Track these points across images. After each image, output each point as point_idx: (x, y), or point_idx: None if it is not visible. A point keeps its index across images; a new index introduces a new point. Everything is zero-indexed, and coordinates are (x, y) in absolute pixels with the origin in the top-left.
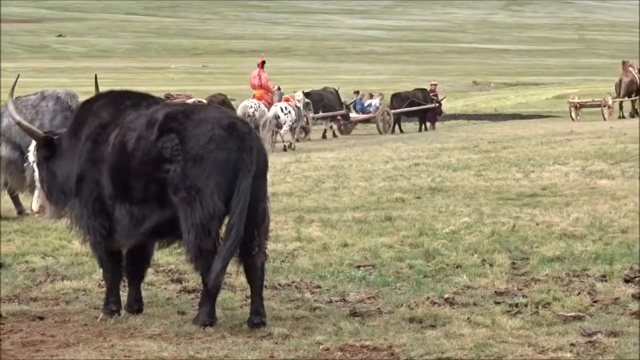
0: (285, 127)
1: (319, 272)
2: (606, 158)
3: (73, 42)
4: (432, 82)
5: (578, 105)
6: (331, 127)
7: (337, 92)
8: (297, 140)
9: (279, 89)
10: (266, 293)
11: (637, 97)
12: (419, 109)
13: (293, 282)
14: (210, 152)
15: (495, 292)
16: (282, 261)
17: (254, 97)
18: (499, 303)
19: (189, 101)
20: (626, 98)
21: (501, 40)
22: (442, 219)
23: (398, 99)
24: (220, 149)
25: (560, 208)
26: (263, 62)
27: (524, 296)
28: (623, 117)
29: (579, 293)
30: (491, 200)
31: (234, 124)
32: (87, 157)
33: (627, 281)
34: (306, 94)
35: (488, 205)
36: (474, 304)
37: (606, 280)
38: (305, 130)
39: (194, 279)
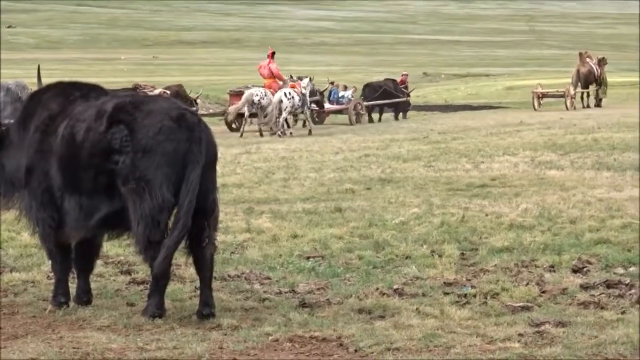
0: (284, 114)
1: (269, 263)
2: (555, 149)
3: (24, 34)
4: (404, 73)
5: (541, 95)
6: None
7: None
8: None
9: (291, 77)
10: (215, 284)
11: (597, 88)
12: (392, 102)
13: (242, 273)
14: (159, 143)
15: (444, 282)
16: (232, 252)
17: (264, 85)
18: (447, 294)
19: (155, 92)
20: (584, 89)
21: (452, 32)
22: (391, 210)
23: (369, 89)
24: (169, 140)
25: (510, 199)
26: (273, 53)
27: (472, 287)
28: (588, 106)
29: (528, 283)
30: (441, 191)
31: (183, 115)
32: (36, 148)
33: (575, 271)
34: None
35: (437, 196)
36: (423, 295)
37: (554, 271)
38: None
39: (143, 271)
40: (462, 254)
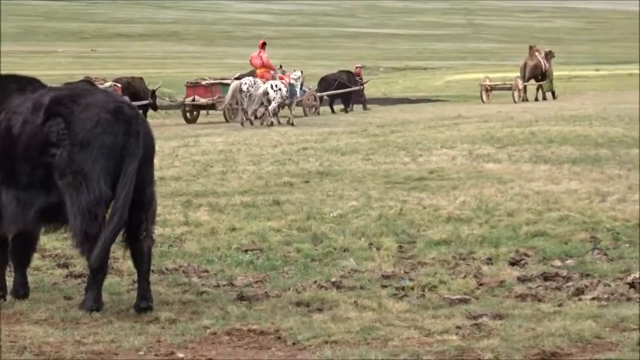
0: (273, 103)
1: (207, 256)
2: (493, 142)
3: None
4: (358, 66)
5: (489, 88)
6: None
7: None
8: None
9: (280, 67)
10: (153, 277)
11: (543, 82)
12: (345, 91)
13: (180, 266)
14: (96, 137)
15: (382, 275)
16: (170, 245)
17: (255, 75)
18: (385, 286)
19: (106, 85)
20: (532, 81)
21: (390, 25)
22: (330, 202)
23: (325, 82)
24: (107, 133)
25: (448, 192)
26: (264, 44)
27: (410, 279)
28: (527, 99)
29: (465, 276)
30: (379, 184)
31: (121, 108)
32: None
33: (512, 264)
34: (237, 78)
35: (376, 189)
36: (361, 288)
37: (492, 264)
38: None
39: (80, 264)
40: (400, 246)
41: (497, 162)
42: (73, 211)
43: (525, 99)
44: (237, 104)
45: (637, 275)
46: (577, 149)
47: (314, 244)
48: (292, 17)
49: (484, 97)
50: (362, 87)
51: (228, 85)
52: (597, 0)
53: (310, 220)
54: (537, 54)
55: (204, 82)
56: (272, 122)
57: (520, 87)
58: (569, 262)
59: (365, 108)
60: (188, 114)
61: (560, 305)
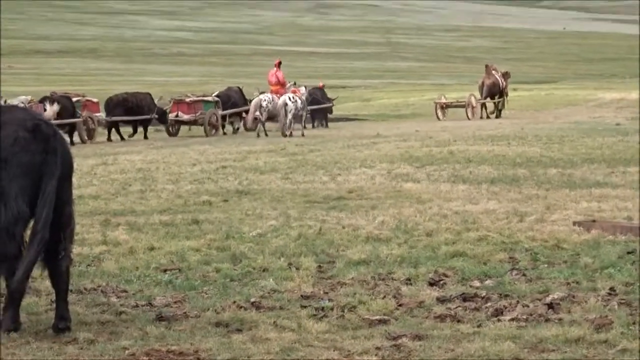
0: (289, 115)
1: (125, 276)
2: (412, 161)
3: None
4: (320, 84)
5: (444, 105)
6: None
7: (241, 90)
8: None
9: (294, 83)
10: (71, 297)
11: (500, 99)
12: (319, 107)
13: (99, 286)
14: (14, 155)
15: (302, 295)
16: (88, 265)
17: (270, 92)
18: (305, 307)
19: (75, 99)
20: (489, 99)
21: (308, 43)
22: (249, 222)
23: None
24: (25, 151)
25: (367, 211)
26: (279, 63)
27: (330, 300)
28: (488, 117)
29: (385, 296)
30: (298, 204)
31: (39, 126)
32: None
33: (431, 284)
34: (217, 95)
35: (295, 208)
36: (281, 308)
37: (411, 284)
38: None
39: None
40: (320, 266)
41: (415, 181)
42: None
43: (482, 116)
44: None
45: (556, 296)
46: (495, 169)
47: (233, 263)
48: (211, 35)
49: (440, 115)
50: (331, 103)
51: (210, 102)
52: (515, 21)
53: (230, 239)
54: (494, 72)
55: (187, 99)
56: (291, 132)
57: (475, 104)
58: (488, 282)
59: (325, 125)
60: (171, 128)
61: (479, 326)
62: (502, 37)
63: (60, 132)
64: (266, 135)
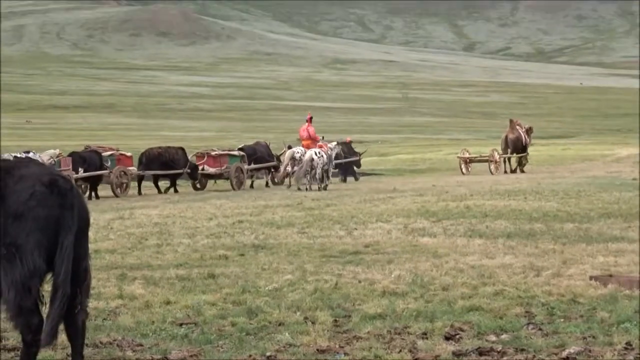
0: (317, 170)
1: (141, 330)
2: (428, 216)
3: None
4: (348, 139)
5: (468, 160)
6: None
7: (267, 145)
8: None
9: (322, 138)
10: (87, 351)
11: (523, 154)
12: (346, 161)
13: (115, 340)
14: (31, 209)
15: (318, 349)
16: (104, 319)
17: (302, 145)
18: None
19: (108, 153)
20: (514, 154)
21: (325, 98)
22: (265, 276)
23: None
24: (41, 205)
25: (383, 265)
26: (311, 118)
27: (345, 354)
28: (513, 171)
29: (400, 350)
30: (314, 258)
31: (55, 181)
32: None
33: (447, 338)
34: (240, 149)
35: (311, 262)
36: None
37: (427, 338)
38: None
39: (14, 337)
40: (335, 320)
41: (432, 236)
42: (6, 284)
43: (506, 171)
44: (290, 170)
45: (572, 350)
46: (511, 224)
47: (249, 317)
48: (228, 90)
49: (463, 169)
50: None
51: (235, 156)
52: (532, 76)
53: (246, 293)
54: (518, 127)
55: (213, 153)
56: (319, 186)
57: (497, 159)
58: (504, 336)
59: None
60: (197, 183)
61: None
62: (520, 93)
63: (76, 186)
64: (307, 189)
